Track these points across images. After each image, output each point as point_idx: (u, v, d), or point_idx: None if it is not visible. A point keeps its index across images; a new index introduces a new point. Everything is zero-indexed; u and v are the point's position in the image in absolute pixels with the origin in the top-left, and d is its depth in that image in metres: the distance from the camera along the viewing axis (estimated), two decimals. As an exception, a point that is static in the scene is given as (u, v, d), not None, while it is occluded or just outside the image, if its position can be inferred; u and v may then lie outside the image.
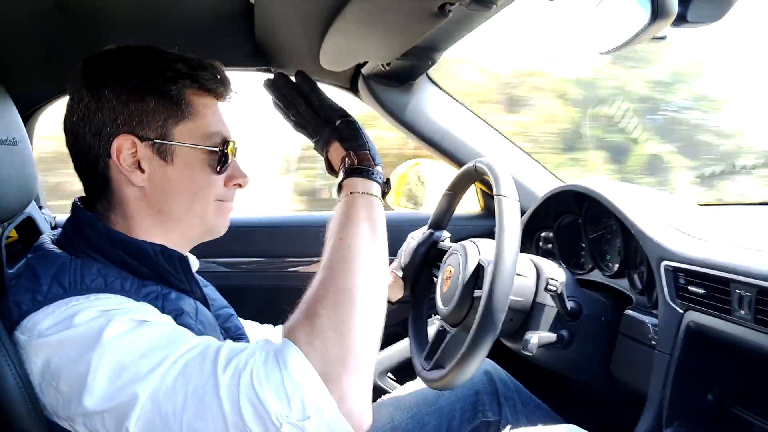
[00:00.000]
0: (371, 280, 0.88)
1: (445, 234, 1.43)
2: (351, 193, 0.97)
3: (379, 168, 1.00)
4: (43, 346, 0.81)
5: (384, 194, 1.01)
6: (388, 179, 1.02)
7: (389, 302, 1.38)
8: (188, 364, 0.78)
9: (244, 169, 1.04)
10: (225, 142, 0.98)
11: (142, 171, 0.93)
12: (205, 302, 1.02)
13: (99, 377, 0.77)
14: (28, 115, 1.70)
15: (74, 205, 0.98)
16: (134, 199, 0.95)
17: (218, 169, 0.98)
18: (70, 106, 0.95)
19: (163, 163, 0.94)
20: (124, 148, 0.92)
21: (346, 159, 1.01)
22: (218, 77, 0.98)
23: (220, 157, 0.97)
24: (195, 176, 0.96)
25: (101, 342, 0.78)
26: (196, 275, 1.02)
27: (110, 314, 0.81)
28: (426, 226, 1.44)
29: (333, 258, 0.89)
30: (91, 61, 0.95)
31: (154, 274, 0.93)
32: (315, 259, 1.84)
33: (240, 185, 1.03)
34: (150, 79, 0.93)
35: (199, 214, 0.98)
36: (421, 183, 1.93)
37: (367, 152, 1.01)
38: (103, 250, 0.91)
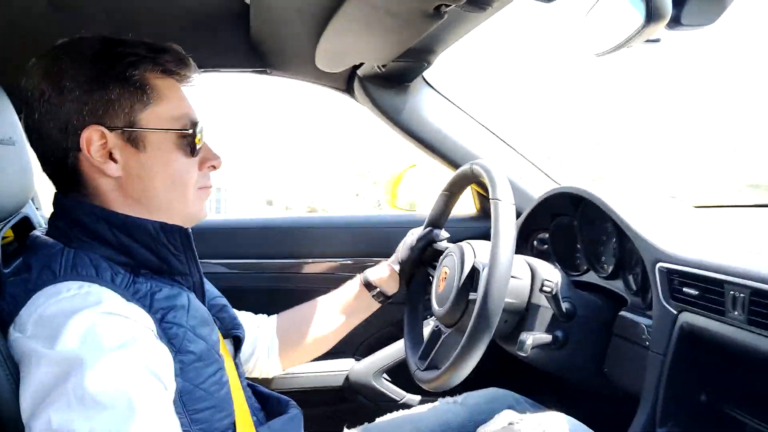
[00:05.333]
0: None
1: (444, 234, 1.44)
2: None
3: None
4: (31, 351, 0.78)
5: None
6: None
7: (385, 296, 1.39)
8: None
9: (216, 150, 1.03)
10: (194, 124, 0.96)
11: (115, 161, 0.91)
12: (202, 290, 1.02)
13: (42, 420, 0.73)
14: (24, 115, 1.70)
15: (58, 198, 0.96)
16: (110, 190, 0.93)
17: (191, 152, 0.96)
18: (29, 104, 0.91)
19: (135, 151, 0.92)
20: (93, 140, 0.89)
21: None
22: (180, 59, 0.96)
23: (191, 140, 0.96)
24: (170, 161, 0.94)
25: (66, 386, 0.74)
26: None
27: (103, 339, 0.77)
28: (424, 224, 1.45)
29: None
30: (47, 53, 0.92)
31: (152, 256, 0.92)
32: (314, 260, 1.87)
33: (215, 167, 1.02)
34: (111, 65, 0.90)
35: (181, 201, 0.97)
36: (417, 185, 1.93)
37: None
38: (100, 234, 0.90)
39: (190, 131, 0.96)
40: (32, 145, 0.95)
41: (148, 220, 0.93)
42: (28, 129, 0.94)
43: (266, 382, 1.40)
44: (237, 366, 1.09)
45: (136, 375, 0.78)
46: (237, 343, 1.13)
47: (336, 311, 1.39)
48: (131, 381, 0.77)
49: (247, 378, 1.22)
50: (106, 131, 0.90)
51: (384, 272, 1.41)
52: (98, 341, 0.77)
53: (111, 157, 0.91)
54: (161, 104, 0.94)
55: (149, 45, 0.94)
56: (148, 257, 0.92)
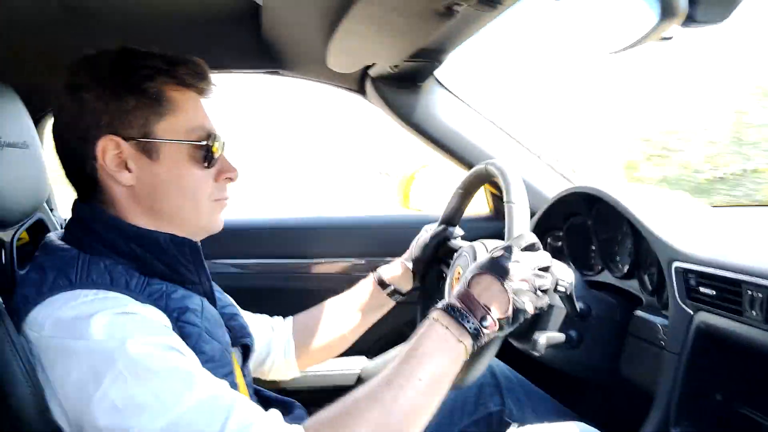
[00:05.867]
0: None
1: (458, 231, 1.43)
2: (447, 327, 0.92)
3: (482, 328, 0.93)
4: (58, 349, 0.81)
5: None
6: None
7: (399, 293, 1.39)
8: (194, 422, 0.77)
9: (233, 163, 1.03)
10: (209, 136, 0.97)
11: (129, 170, 0.93)
12: (212, 297, 1.03)
13: (104, 405, 0.77)
14: (39, 119, 1.72)
15: (76, 204, 0.98)
16: (124, 198, 0.95)
17: (206, 165, 0.97)
18: (55, 115, 0.96)
19: (149, 161, 0.94)
20: (108, 149, 0.92)
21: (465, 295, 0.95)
22: (197, 72, 0.97)
23: (206, 152, 0.97)
24: (183, 172, 0.96)
25: (116, 366, 0.78)
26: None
27: (128, 328, 0.81)
28: (438, 222, 1.44)
29: (398, 380, 0.87)
30: (69, 67, 0.95)
31: (163, 266, 0.94)
32: (326, 261, 1.87)
33: (231, 179, 1.03)
34: (127, 77, 0.92)
35: (193, 213, 0.98)
36: (429, 185, 1.93)
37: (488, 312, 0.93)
38: (113, 244, 0.92)
39: (205, 143, 0.97)
40: (56, 152, 0.98)
41: (159, 232, 0.95)
42: (54, 137, 0.97)
43: (278, 381, 1.40)
44: (244, 375, 1.10)
45: (171, 349, 0.83)
46: (246, 351, 1.14)
47: (351, 311, 1.39)
48: (170, 350, 0.82)
49: (257, 382, 1.22)
50: (121, 141, 0.92)
51: (397, 270, 1.41)
52: (125, 330, 0.81)
53: (126, 166, 0.93)
54: (177, 116, 0.95)
55: (167, 57, 0.96)
56: (160, 267, 0.94)
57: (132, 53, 0.96)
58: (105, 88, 0.92)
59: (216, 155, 0.99)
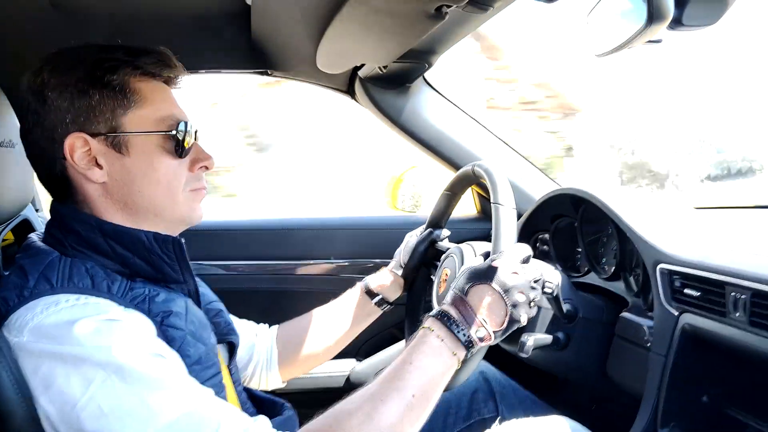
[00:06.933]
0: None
1: (445, 233, 1.43)
2: (442, 339, 0.93)
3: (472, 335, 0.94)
4: (42, 354, 0.79)
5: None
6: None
7: (388, 302, 1.38)
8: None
9: (208, 150, 1.01)
10: (180, 124, 0.95)
11: (100, 167, 0.91)
12: (197, 296, 1.01)
13: (91, 410, 0.76)
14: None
15: (53, 206, 0.96)
16: (98, 196, 0.93)
17: (178, 154, 0.95)
18: (20, 116, 0.93)
19: (119, 156, 0.92)
20: (76, 147, 0.90)
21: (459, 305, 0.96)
22: (161, 61, 0.95)
23: (177, 141, 0.95)
24: (155, 164, 0.94)
25: (104, 371, 0.77)
26: None
27: (113, 335, 0.80)
28: (424, 225, 1.44)
29: (391, 396, 0.87)
30: (32, 68, 0.93)
31: (146, 265, 0.92)
32: (312, 262, 1.86)
33: (206, 167, 1.01)
34: (90, 72, 0.90)
35: (170, 205, 0.96)
36: (418, 186, 1.93)
37: (484, 323, 0.95)
38: (94, 244, 0.90)
39: (175, 132, 0.95)
40: (26, 154, 0.96)
41: (142, 230, 0.93)
42: (22, 138, 0.95)
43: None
44: (231, 372, 1.09)
45: (158, 356, 0.82)
46: (231, 349, 1.13)
47: (337, 320, 1.38)
48: (157, 357, 0.82)
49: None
50: (88, 138, 0.90)
51: (386, 279, 1.40)
52: (112, 336, 0.80)
53: (97, 163, 0.91)
54: (144, 107, 0.93)
55: (129, 49, 0.94)
56: (143, 267, 0.93)
57: (93, 48, 0.94)
58: (67, 85, 0.90)
59: (188, 144, 0.96)
